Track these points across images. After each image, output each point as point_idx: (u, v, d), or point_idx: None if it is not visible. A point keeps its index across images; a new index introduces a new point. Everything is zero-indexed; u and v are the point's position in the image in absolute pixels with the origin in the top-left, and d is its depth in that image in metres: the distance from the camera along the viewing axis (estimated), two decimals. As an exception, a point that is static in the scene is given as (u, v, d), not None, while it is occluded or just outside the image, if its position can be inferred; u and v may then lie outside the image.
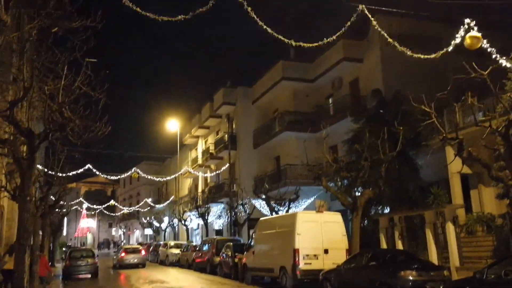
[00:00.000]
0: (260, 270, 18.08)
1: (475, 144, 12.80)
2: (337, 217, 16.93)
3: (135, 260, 29.98)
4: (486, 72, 10.88)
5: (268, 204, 25.29)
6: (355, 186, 18.06)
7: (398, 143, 16.21)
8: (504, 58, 11.52)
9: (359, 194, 17.78)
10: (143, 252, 31.63)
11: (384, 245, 17.78)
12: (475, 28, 10.65)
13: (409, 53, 11.72)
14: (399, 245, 17.14)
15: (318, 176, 18.14)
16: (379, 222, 18.31)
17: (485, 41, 10.89)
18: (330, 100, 28.24)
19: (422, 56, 11.73)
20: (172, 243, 35.67)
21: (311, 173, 18.79)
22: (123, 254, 30.67)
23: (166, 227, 49.91)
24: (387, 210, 19.14)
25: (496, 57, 11.50)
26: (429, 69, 18.87)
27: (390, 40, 11.97)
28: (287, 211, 23.92)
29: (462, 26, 10.96)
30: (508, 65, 11.65)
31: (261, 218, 20.51)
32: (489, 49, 11.36)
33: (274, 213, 24.35)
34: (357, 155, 18.50)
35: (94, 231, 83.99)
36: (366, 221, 19.53)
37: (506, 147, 11.51)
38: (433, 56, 11.77)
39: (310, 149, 22.36)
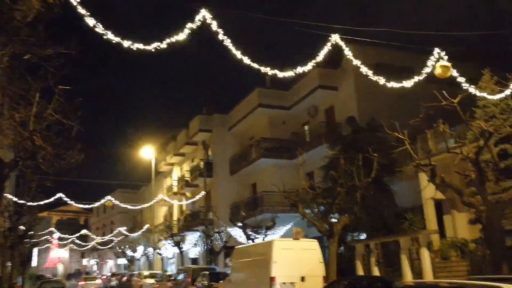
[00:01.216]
0: None
1: (447, 170, 13.06)
2: (313, 244, 16.82)
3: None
4: (456, 100, 11.21)
5: (245, 232, 25.08)
6: (331, 212, 18.09)
7: (372, 169, 16.40)
8: (473, 86, 11.89)
9: (336, 220, 17.80)
10: (99, 281, 37.94)
11: (360, 271, 17.74)
12: (445, 57, 10.99)
13: (382, 82, 11.98)
14: (376, 272, 17.13)
15: (294, 203, 18.13)
16: (355, 248, 18.31)
17: (454, 70, 11.24)
18: (306, 127, 28.51)
19: (395, 85, 12.00)
20: (146, 272, 34.91)
21: (288, 200, 18.76)
22: (82, 283, 36.80)
23: (141, 256, 48.87)
24: (363, 236, 19.19)
25: (465, 86, 11.86)
26: (402, 97, 19.25)
27: (363, 69, 12.23)
28: (263, 239, 23.73)
29: (432, 56, 11.30)
30: (477, 93, 12.02)
31: (237, 246, 20.24)
32: (458, 78, 11.72)
33: (250, 241, 24.14)
34: (333, 181, 18.61)
35: (65, 261, 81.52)
36: (342, 248, 19.50)
37: (477, 173, 11.78)
38: (405, 84, 12.06)
39: (286, 176, 22.41)
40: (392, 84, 12.22)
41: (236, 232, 27.78)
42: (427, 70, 11.74)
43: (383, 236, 17.25)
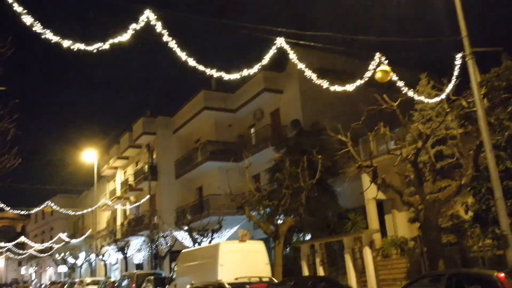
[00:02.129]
0: None
1: (388, 171, 13.50)
2: (260, 246, 16.89)
3: None
4: (396, 104, 11.61)
5: (191, 236, 24.79)
6: (277, 214, 18.24)
7: (317, 171, 16.69)
8: (411, 90, 12.37)
9: (281, 222, 17.96)
10: None
11: (306, 272, 17.98)
12: (385, 62, 11.36)
13: (325, 85, 12.20)
14: (320, 272, 17.42)
15: (241, 205, 18.15)
16: (301, 249, 18.54)
17: (394, 74, 11.64)
18: (252, 130, 28.61)
19: (337, 89, 12.27)
20: (88, 280, 33.63)
21: (234, 202, 18.77)
22: None
23: (82, 263, 47.14)
24: (308, 237, 19.47)
25: (404, 90, 12.32)
26: (345, 101, 19.76)
27: (307, 73, 12.41)
28: (210, 242, 23.56)
29: (373, 60, 11.65)
30: (415, 97, 12.52)
31: (183, 250, 19.97)
32: (397, 83, 12.15)
33: (196, 244, 23.89)
34: (279, 183, 18.79)
35: (1, 270, 77.19)
36: (288, 249, 19.70)
37: (416, 174, 12.25)
38: (347, 88, 12.36)
39: (233, 179, 22.33)
40: (335, 88, 12.48)
41: (182, 236, 27.41)
42: (368, 74, 12.08)
43: (327, 237, 17.57)
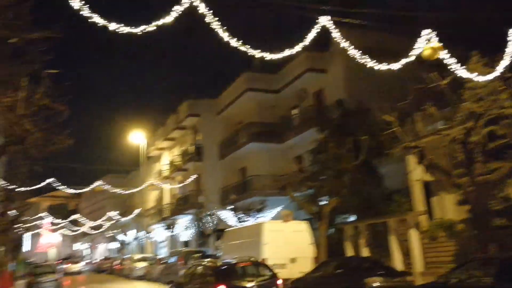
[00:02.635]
0: None
1: (436, 152, 13.06)
2: (303, 226, 16.93)
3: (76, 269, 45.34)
4: (445, 82, 11.16)
5: (235, 215, 25.08)
6: (320, 195, 18.13)
7: (361, 152, 16.40)
8: (462, 68, 11.83)
9: (324, 203, 17.84)
10: (81, 264, 48.37)
11: (350, 252, 17.87)
12: (435, 39, 10.89)
13: (370, 64, 11.86)
14: (365, 253, 17.26)
15: (283, 186, 18.15)
16: (344, 230, 18.40)
17: (443, 52, 11.16)
18: (295, 111, 28.39)
19: (383, 67, 11.90)
20: (138, 256, 34.78)
21: (277, 183, 18.78)
22: (67, 265, 44.93)
23: (132, 241, 48.86)
24: (352, 219, 19.29)
25: (453, 68, 11.79)
26: (391, 80, 19.15)
27: (351, 52, 12.09)
28: (253, 222, 23.76)
29: (422, 38, 11.20)
30: (466, 75, 11.97)
31: (227, 229, 20.30)
32: (447, 60, 11.64)
33: (240, 223, 24.16)
34: (322, 165, 18.61)
35: (58, 246, 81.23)
36: (332, 230, 19.60)
37: (465, 155, 11.80)
38: (393, 67, 11.96)
39: (275, 160, 22.42)
40: (381, 67, 12.12)
41: (227, 215, 27.81)
42: (416, 52, 11.64)
43: (372, 218, 17.33)
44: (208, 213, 29.50)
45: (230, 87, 32.18)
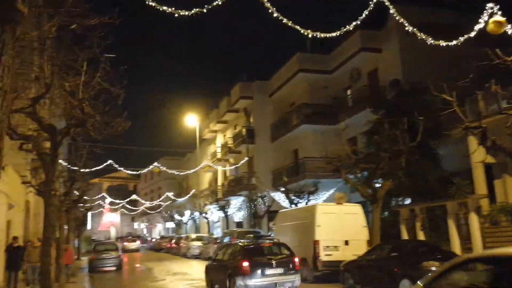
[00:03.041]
0: None
1: (499, 132, 12.38)
2: (357, 209, 16.73)
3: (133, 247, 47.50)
4: (511, 58, 10.49)
5: (287, 197, 25.13)
6: (374, 177, 17.73)
7: (418, 133, 15.85)
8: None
9: (379, 185, 17.47)
10: (138, 242, 50.77)
11: (405, 236, 17.47)
12: (499, 13, 10.23)
13: (430, 41, 11.34)
14: (421, 236, 16.81)
15: (337, 168, 17.90)
16: (400, 213, 17.99)
17: (509, 26, 10.47)
18: (348, 92, 27.84)
19: (443, 43, 11.35)
20: (193, 236, 35.75)
21: (330, 165, 18.55)
22: (125, 243, 48.12)
23: (188, 220, 50.19)
24: (407, 202, 18.80)
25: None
26: (449, 58, 18.39)
27: (410, 28, 11.61)
28: (306, 204, 23.71)
29: (485, 11, 10.55)
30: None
31: (280, 211, 20.39)
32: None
33: (293, 205, 24.17)
34: (376, 146, 18.15)
35: (117, 225, 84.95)
36: (386, 213, 19.21)
37: (532, 135, 11.11)
38: (454, 43, 11.38)
39: (328, 142, 22.10)
40: (440, 43, 11.58)
41: (279, 197, 27.91)
42: (478, 27, 10.99)
43: (429, 201, 16.81)
44: (260, 195, 29.71)
45: (282, 68, 31.98)
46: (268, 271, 12.76)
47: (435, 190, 17.46)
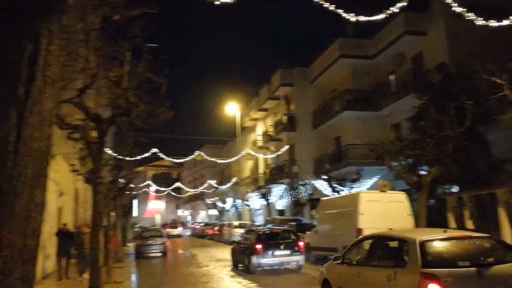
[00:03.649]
0: (323, 250, 17.94)
1: (555, 116, 11.74)
2: (401, 197, 16.36)
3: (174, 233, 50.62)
4: None
5: (329, 185, 24.90)
6: (419, 164, 17.25)
7: (465, 119, 15.26)
8: None
9: (424, 173, 16.98)
10: (180, 228, 54.00)
11: (452, 224, 16.94)
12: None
13: (480, 22, 10.83)
14: (469, 225, 16.26)
15: (380, 155, 17.52)
16: (446, 201, 17.45)
17: None
18: (392, 77, 27.12)
19: (494, 24, 10.80)
20: (236, 223, 36.09)
21: (373, 152, 18.19)
22: (168, 230, 50.57)
23: (230, 208, 50.81)
24: (454, 189, 18.21)
25: None
26: (498, 40, 17.57)
27: (457, 9, 11.12)
28: (349, 192, 23.42)
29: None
30: None
31: (323, 198, 20.24)
32: None
33: (336, 193, 23.94)
34: (422, 132, 17.62)
35: (162, 212, 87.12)
36: (432, 201, 18.68)
37: None
38: (507, 23, 10.80)
39: (371, 128, 21.71)
40: (491, 24, 11.02)
41: (321, 185, 27.72)
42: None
43: (477, 189, 16.20)
44: (302, 182, 29.61)
45: (323, 54, 31.52)
46: (277, 252, 16.20)
47: (484, 177, 16.81)
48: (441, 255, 6.66)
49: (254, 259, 16.03)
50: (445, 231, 7.23)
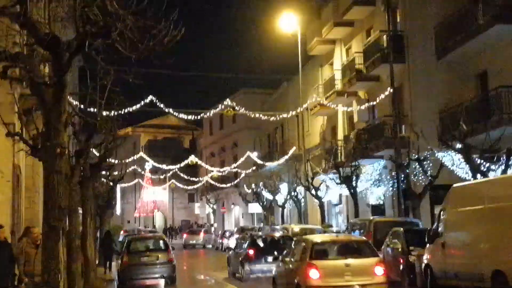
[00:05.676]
0: (458, 277, 18.04)
1: None
2: None
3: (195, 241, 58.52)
4: None
5: (469, 160, 24.52)
6: None
7: None
8: None
9: None
10: (202, 235, 59.56)
11: None
12: None
13: None
14: None
15: None
16: None
17: None
18: None
19: None
20: (296, 228, 36.23)
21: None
22: (185, 235, 59.77)
23: (285, 201, 50.77)
24: None
25: None
26: None
27: None
28: (504, 171, 23.00)
29: None
30: None
31: (455, 185, 20.02)
32: None
33: (480, 175, 23.56)
34: None
35: (164, 207, 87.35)
36: None
37: None
38: None
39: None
40: None
41: (452, 160, 27.39)
42: None
43: None
44: (417, 156, 29.29)
45: None
46: (270, 258, 25.37)
47: None
48: None
49: (247, 266, 25.88)
50: None
